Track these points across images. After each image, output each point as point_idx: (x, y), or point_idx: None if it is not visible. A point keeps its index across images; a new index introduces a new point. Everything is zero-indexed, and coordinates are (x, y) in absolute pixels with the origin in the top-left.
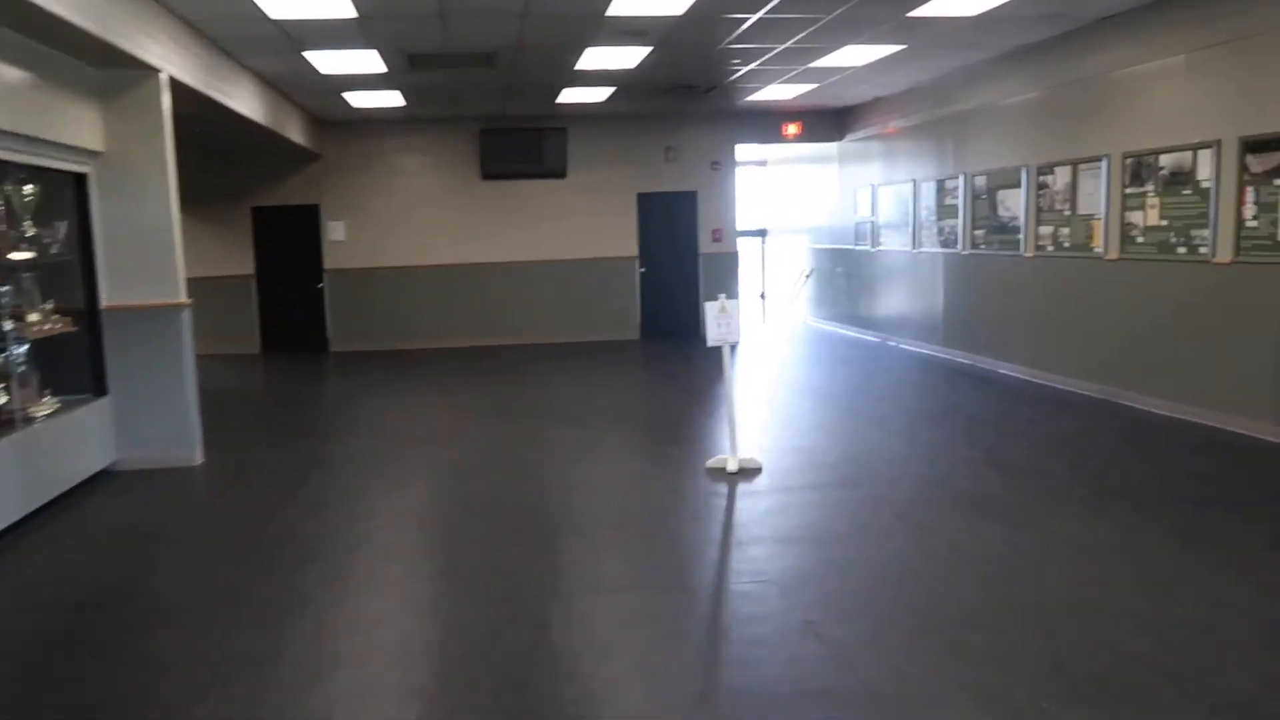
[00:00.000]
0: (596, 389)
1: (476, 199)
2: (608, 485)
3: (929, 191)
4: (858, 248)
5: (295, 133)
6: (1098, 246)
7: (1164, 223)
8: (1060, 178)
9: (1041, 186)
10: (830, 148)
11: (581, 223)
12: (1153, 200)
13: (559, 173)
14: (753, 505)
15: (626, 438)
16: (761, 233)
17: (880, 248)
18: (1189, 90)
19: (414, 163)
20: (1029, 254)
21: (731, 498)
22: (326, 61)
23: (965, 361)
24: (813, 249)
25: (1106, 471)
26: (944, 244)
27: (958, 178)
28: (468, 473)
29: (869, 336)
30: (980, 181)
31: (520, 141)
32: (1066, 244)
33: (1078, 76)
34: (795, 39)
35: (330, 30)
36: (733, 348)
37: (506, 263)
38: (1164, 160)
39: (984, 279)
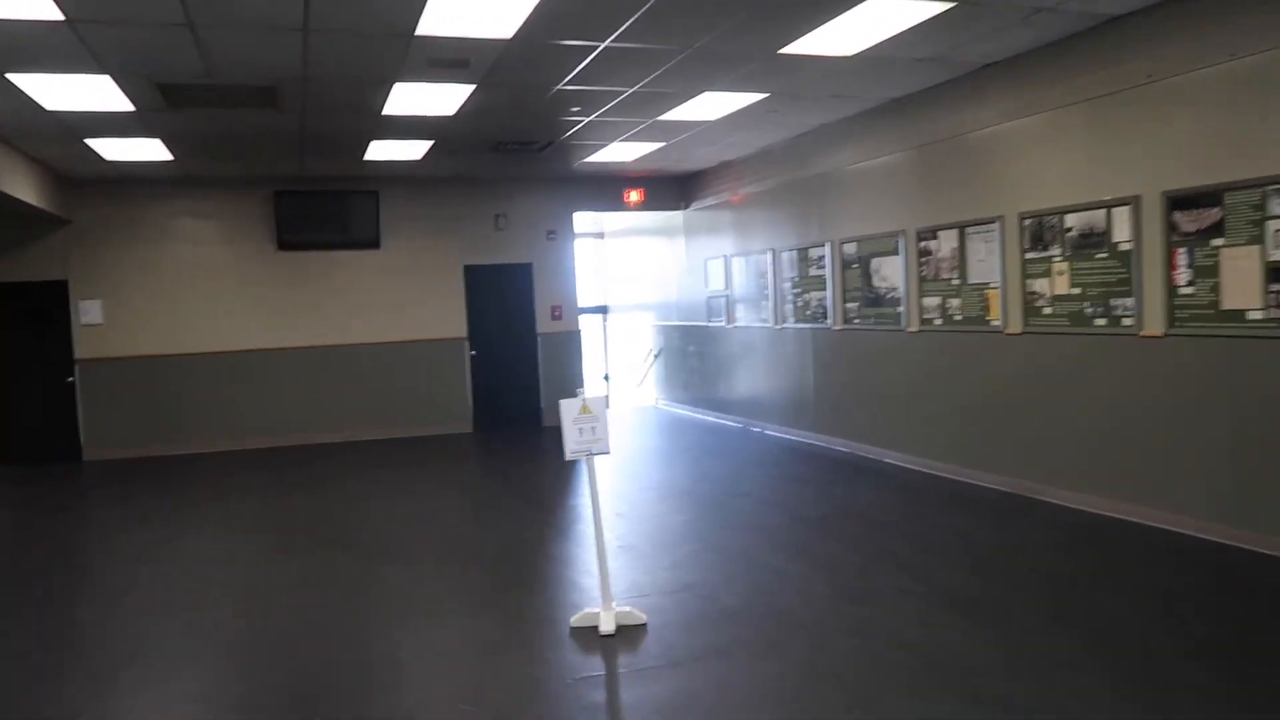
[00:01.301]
0: (421, 502)
1: (273, 273)
2: (434, 669)
3: (790, 262)
4: (711, 324)
5: (26, 191)
6: (995, 319)
7: (1076, 291)
8: (945, 243)
9: (924, 254)
10: (675, 217)
11: (400, 300)
12: (1060, 265)
13: (371, 242)
14: (645, 694)
15: (460, 579)
16: (602, 309)
17: (737, 324)
18: (1096, 141)
19: (192, 229)
20: (913, 328)
21: (613, 685)
22: (46, 92)
23: (843, 449)
24: (660, 326)
25: (1087, 604)
26: (811, 319)
27: (823, 246)
28: (235, 656)
29: (728, 421)
30: (850, 249)
31: (323, 206)
32: (958, 317)
33: (958, 131)
34: (644, 81)
35: (36, 41)
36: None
37: (311, 347)
38: (1071, 220)
39: (860, 357)
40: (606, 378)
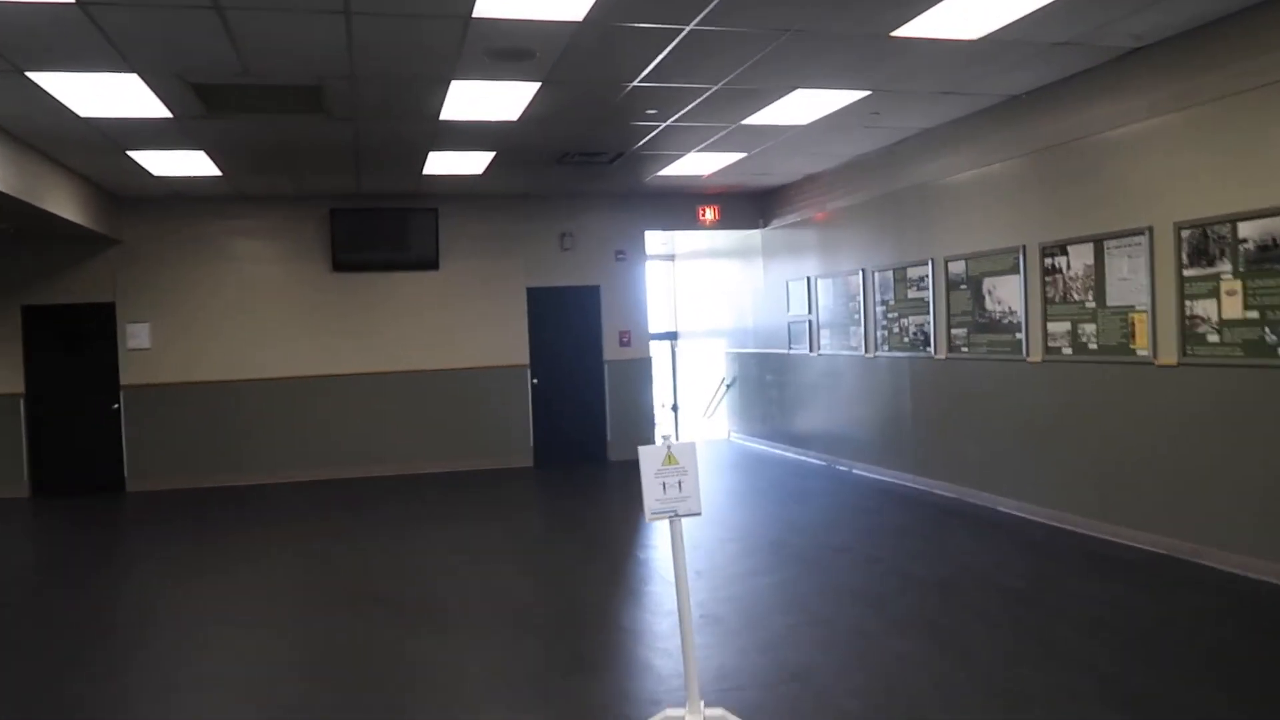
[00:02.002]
0: (473, 550)
1: (327, 295)
2: None
3: (884, 283)
4: (792, 351)
5: (69, 208)
6: (1142, 348)
7: (1252, 314)
8: (1078, 259)
9: (1050, 271)
10: (752, 237)
11: (459, 324)
12: (1230, 284)
13: (429, 263)
14: None
15: (510, 655)
16: (671, 335)
17: (821, 351)
18: None
19: (245, 250)
20: (1035, 358)
21: None
22: (76, 95)
23: (946, 494)
24: (733, 353)
25: None
26: (910, 346)
27: (925, 265)
28: None
29: (810, 458)
30: (958, 268)
31: (380, 225)
32: (1093, 345)
33: (1090, 130)
34: (731, 76)
35: (48, 29)
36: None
37: (365, 374)
38: (1245, 230)
39: (969, 389)
40: (675, 408)
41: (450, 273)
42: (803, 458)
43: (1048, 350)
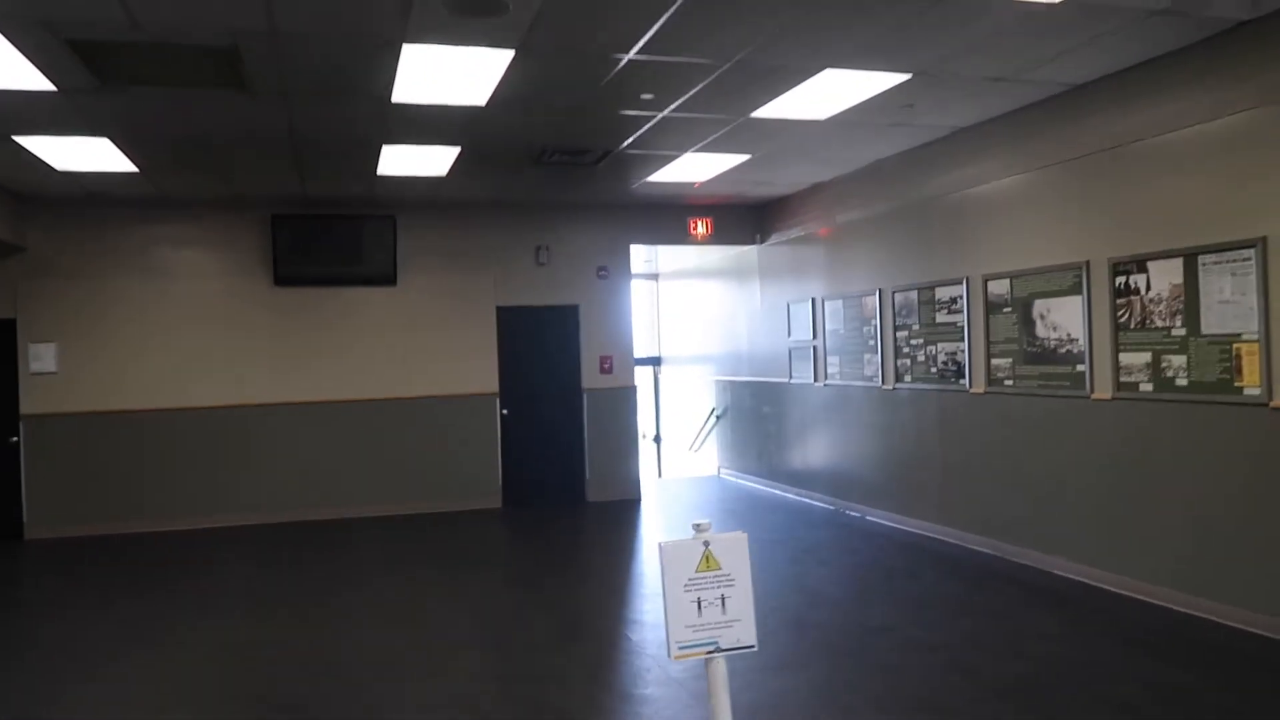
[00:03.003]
0: (427, 625)
1: (267, 313)
2: None
3: (907, 305)
4: (794, 381)
5: None
6: (1250, 385)
7: None
8: (1161, 277)
9: (1123, 292)
10: (748, 254)
11: (419, 347)
12: None
13: (386, 278)
14: None
15: None
16: (654, 361)
17: (829, 381)
18: None
19: (172, 261)
20: (1102, 394)
21: None
22: None
23: (983, 550)
24: (724, 381)
25: None
26: (939, 378)
27: (959, 284)
28: None
29: (814, 500)
30: (1000, 288)
31: (330, 234)
32: (1181, 380)
33: (1180, 123)
34: (751, 46)
35: None
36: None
37: (310, 404)
38: None
39: (1015, 430)
40: (658, 439)
41: (410, 289)
42: (804, 499)
43: (1120, 386)
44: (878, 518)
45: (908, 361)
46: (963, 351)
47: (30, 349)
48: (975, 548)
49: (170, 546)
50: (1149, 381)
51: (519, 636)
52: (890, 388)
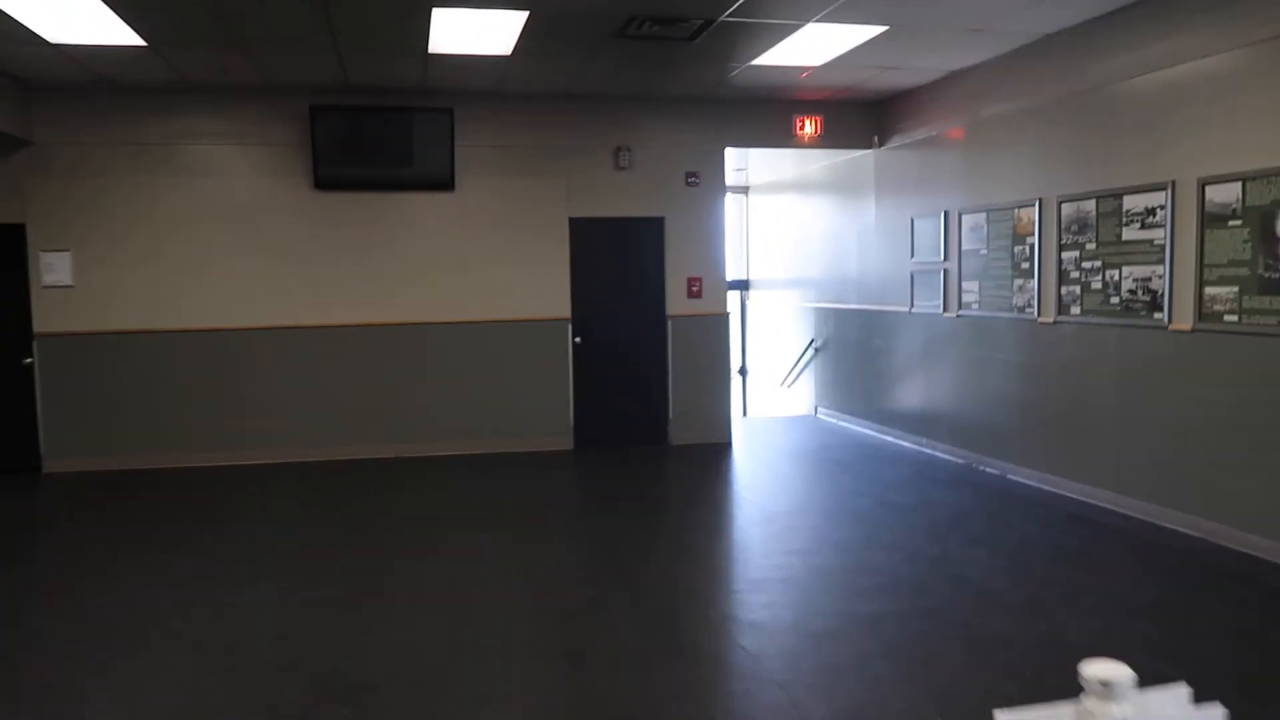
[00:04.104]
0: (486, 602)
1: (307, 222)
2: None
3: (1079, 219)
4: (916, 310)
5: None
6: None
7: None
8: None
9: None
10: (860, 162)
11: (479, 264)
12: None
13: (442, 182)
14: None
15: None
16: (742, 285)
17: (963, 312)
18: None
19: (196, 159)
20: None
21: None
22: None
23: (1193, 534)
24: (824, 309)
25: None
26: (1123, 310)
27: (1161, 191)
28: None
29: (937, 452)
30: (1224, 195)
31: (377, 130)
32: None
33: None
34: None
35: None
36: None
37: (354, 327)
38: None
39: (1244, 382)
40: (744, 372)
41: (469, 196)
42: (924, 449)
43: None
44: (1024, 477)
45: (1076, 289)
46: (1160, 277)
47: (41, 259)
48: (1170, 526)
49: (201, 486)
50: None
51: (594, 648)
52: (1050, 320)
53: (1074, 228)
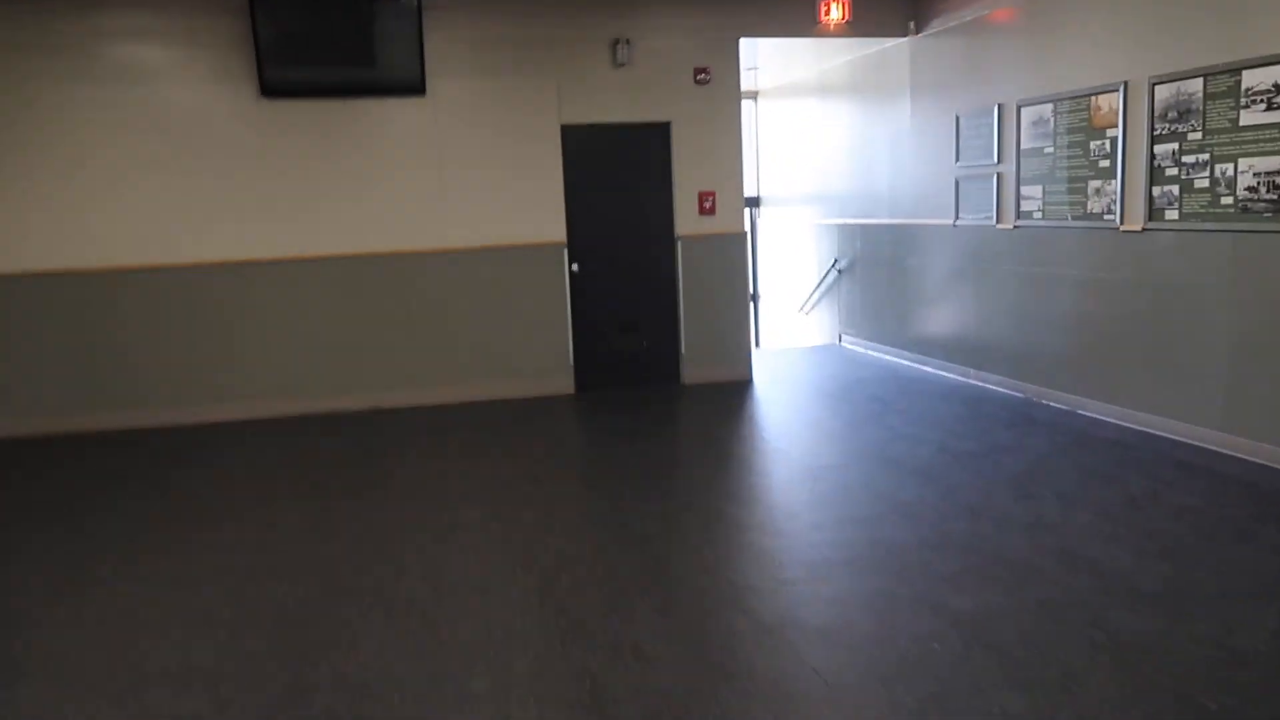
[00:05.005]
0: (470, 621)
1: (255, 135)
2: None
3: (1176, 103)
4: (962, 222)
5: None
6: None
7: None
8: None
9: None
10: (892, 55)
11: (458, 182)
12: None
13: (410, 85)
14: None
15: None
16: (751, 202)
17: (1020, 222)
18: None
19: (122, 63)
20: None
21: None
22: None
23: None
24: (848, 226)
25: None
26: (1239, 213)
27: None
28: None
29: (988, 384)
30: None
31: (330, 22)
32: None
33: None
34: None
35: None
36: None
37: (312, 260)
38: None
39: None
40: (754, 298)
41: (443, 101)
42: (971, 381)
43: None
44: (1100, 413)
45: (1174, 190)
46: None
47: None
48: None
49: (147, 444)
50: None
51: (619, 684)
52: (1137, 228)
53: (1171, 114)
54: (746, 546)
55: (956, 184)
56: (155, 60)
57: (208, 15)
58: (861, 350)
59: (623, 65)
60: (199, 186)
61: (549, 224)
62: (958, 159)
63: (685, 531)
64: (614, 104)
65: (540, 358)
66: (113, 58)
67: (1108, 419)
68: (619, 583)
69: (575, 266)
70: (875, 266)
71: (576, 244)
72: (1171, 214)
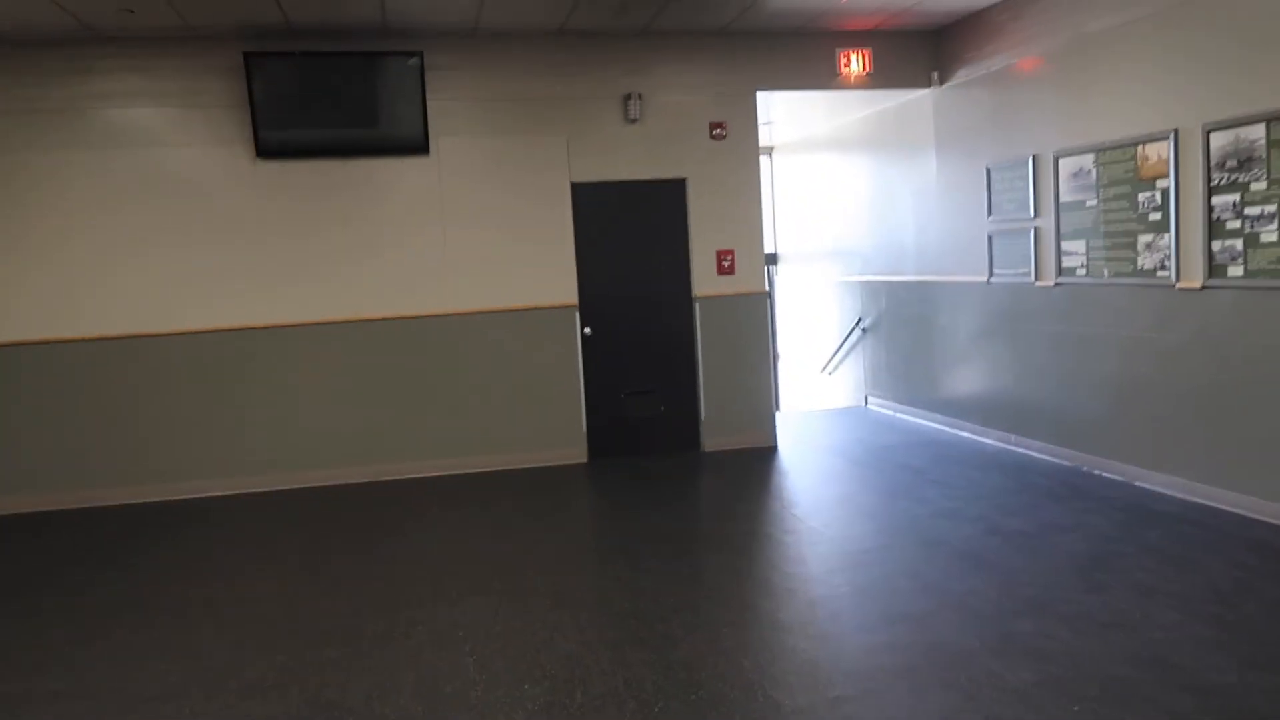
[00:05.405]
0: None
1: (252, 198)
2: None
3: (1235, 150)
4: (996, 279)
5: None
6: None
7: None
8: None
9: None
10: (914, 107)
11: (463, 244)
12: None
13: (413, 144)
14: None
15: None
16: (768, 259)
17: (1063, 280)
18: None
19: (111, 125)
20: None
21: None
22: None
23: None
24: (871, 283)
25: None
26: None
27: None
28: None
29: (1031, 451)
30: None
31: (328, 81)
32: None
33: None
34: None
35: None
36: None
37: (311, 326)
38: None
39: None
40: (775, 359)
41: (448, 160)
42: (1011, 447)
43: None
44: (1159, 485)
45: (1237, 244)
46: None
47: None
48: None
49: (130, 525)
50: None
51: None
52: (1195, 286)
53: (1230, 163)
54: (788, 654)
55: (990, 239)
56: (146, 123)
57: (200, 75)
58: (890, 413)
59: (635, 121)
60: (194, 251)
61: (559, 286)
62: (990, 213)
63: (714, 631)
64: (627, 160)
65: (551, 425)
66: (96, 120)
67: (1167, 491)
68: (641, 701)
69: (588, 330)
70: (902, 325)
71: (589, 306)
72: (1235, 270)
